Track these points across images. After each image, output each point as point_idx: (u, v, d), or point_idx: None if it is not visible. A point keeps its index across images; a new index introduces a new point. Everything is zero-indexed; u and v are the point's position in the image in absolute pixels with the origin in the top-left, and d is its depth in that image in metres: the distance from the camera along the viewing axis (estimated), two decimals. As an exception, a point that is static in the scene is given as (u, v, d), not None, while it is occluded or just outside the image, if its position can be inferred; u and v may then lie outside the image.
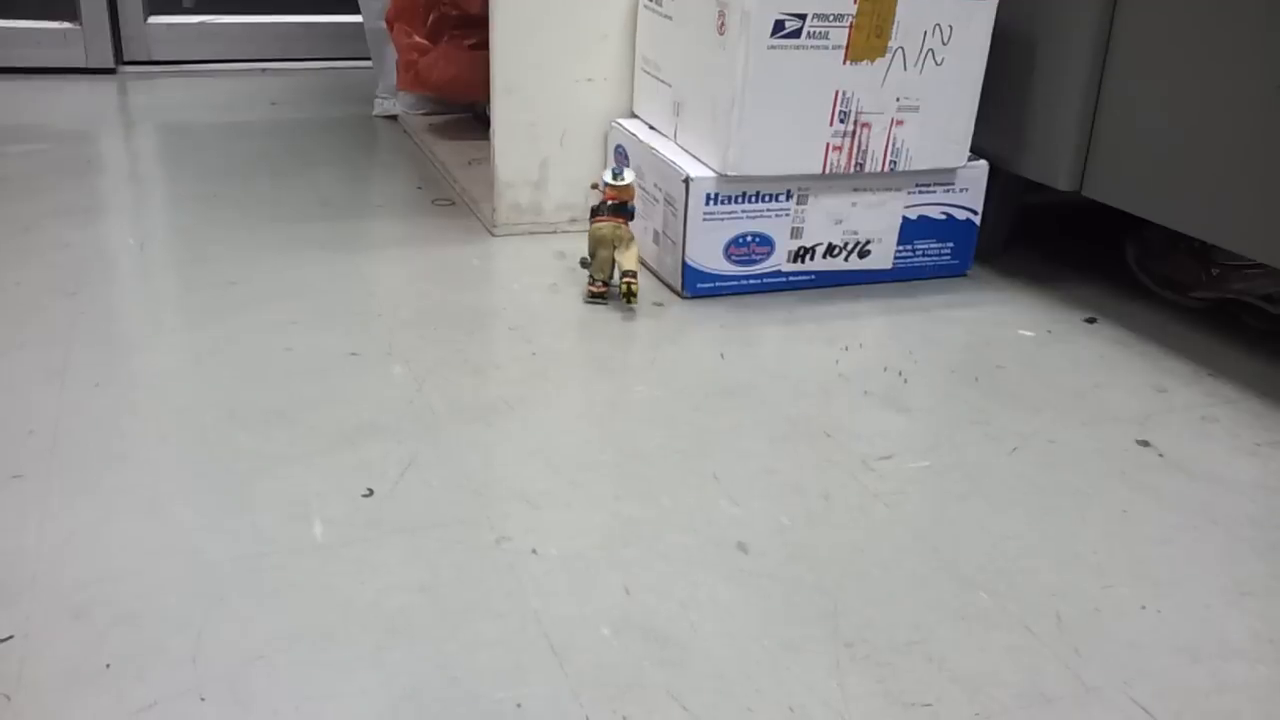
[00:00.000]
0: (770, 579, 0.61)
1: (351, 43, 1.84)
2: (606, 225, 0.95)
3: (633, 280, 0.95)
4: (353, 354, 0.85)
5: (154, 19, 1.79)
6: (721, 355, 0.88)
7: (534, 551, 0.62)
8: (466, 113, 1.52)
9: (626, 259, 0.95)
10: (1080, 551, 0.65)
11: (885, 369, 0.87)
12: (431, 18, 1.38)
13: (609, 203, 0.96)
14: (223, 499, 0.66)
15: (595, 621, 0.57)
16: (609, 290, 0.97)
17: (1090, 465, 0.74)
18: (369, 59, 1.60)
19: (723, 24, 0.94)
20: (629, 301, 0.95)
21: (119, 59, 1.78)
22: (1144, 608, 0.60)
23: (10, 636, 0.54)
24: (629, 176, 0.95)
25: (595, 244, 0.96)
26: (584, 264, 0.98)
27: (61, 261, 1.00)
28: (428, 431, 0.75)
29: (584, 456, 0.73)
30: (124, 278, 0.97)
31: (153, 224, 1.11)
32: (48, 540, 0.61)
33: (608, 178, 0.96)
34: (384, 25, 1.45)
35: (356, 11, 1.58)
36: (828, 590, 0.60)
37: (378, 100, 1.56)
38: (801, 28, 0.93)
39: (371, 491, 0.67)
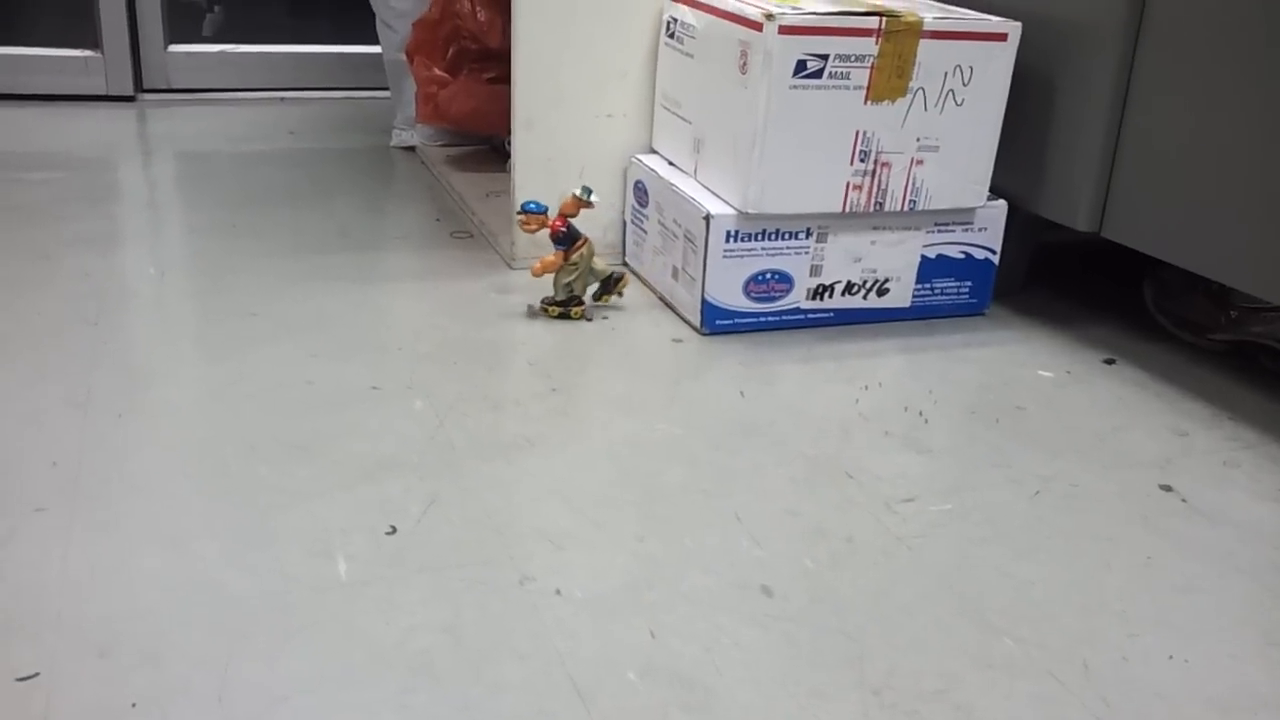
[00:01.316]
0: (795, 623, 0.61)
1: (369, 73, 1.85)
2: (587, 244, 0.98)
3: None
4: (373, 388, 0.85)
5: (174, 47, 1.80)
6: (741, 393, 0.88)
7: (558, 592, 0.62)
8: (484, 145, 1.53)
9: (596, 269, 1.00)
10: (1105, 599, 0.65)
11: (905, 409, 0.87)
12: (451, 51, 1.39)
13: (570, 224, 0.98)
14: (245, 534, 0.66)
15: (620, 665, 0.57)
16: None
17: (1113, 510, 0.74)
18: (386, 89, 1.61)
19: (745, 63, 0.94)
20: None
21: (138, 87, 1.79)
22: (1171, 657, 0.60)
23: (36, 674, 0.54)
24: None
25: (587, 266, 0.98)
26: (570, 299, 1.00)
27: (82, 290, 1.01)
28: (449, 468, 0.75)
29: (605, 495, 0.72)
30: (145, 307, 0.98)
31: (173, 253, 1.12)
32: (71, 575, 0.61)
33: (594, 198, 0.98)
34: (403, 58, 1.46)
35: (374, 42, 1.59)
36: (853, 635, 0.60)
37: (396, 131, 1.57)
38: (823, 68, 0.93)
39: (394, 529, 0.67)
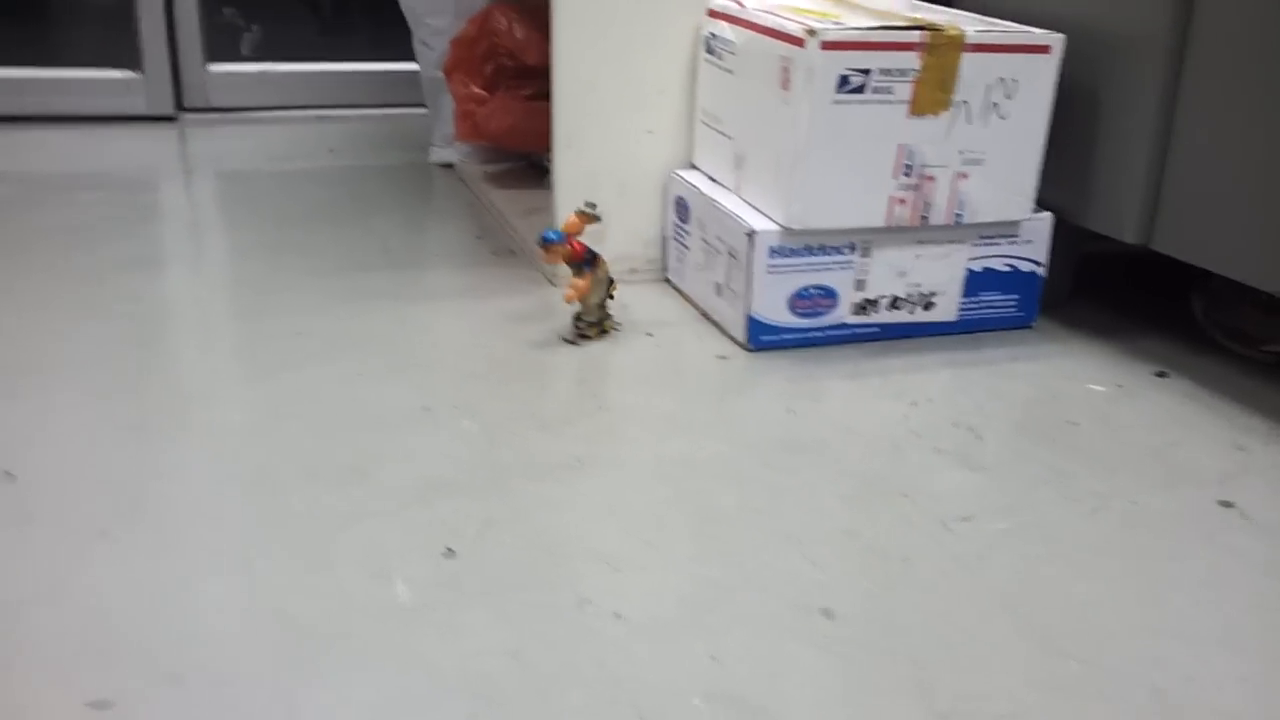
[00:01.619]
0: (858, 646, 0.60)
1: (405, 90, 1.86)
2: (602, 259, 0.99)
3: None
4: (423, 408, 0.86)
5: (213, 67, 1.82)
6: (789, 410, 0.88)
7: (617, 615, 0.62)
8: (522, 161, 1.53)
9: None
10: (1170, 619, 0.64)
11: (956, 425, 0.86)
12: (489, 68, 1.40)
13: (585, 245, 0.98)
14: (306, 558, 0.66)
15: (685, 690, 0.57)
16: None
17: (1173, 528, 0.73)
18: (423, 106, 1.63)
19: (787, 79, 0.94)
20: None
21: (178, 106, 1.81)
22: (1243, 680, 0.59)
23: (109, 701, 0.54)
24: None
25: (606, 278, 0.99)
26: (598, 316, 1.00)
27: (133, 313, 1.02)
28: (501, 489, 0.75)
29: (658, 515, 0.72)
30: (194, 328, 0.99)
31: (220, 273, 1.13)
32: (138, 601, 0.62)
33: (597, 210, 0.98)
34: (441, 75, 1.47)
35: (410, 59, 1.60)
36: (917, 659, 0.60)
37: (433, 148, 1.58)
38: (866, 83, 0.93)
39: (451, 551, 0.68)
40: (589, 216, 0.98)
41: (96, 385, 0.87)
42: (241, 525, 0.70)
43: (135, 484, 0.74)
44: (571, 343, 0.98)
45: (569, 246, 0.96)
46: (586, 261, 0.97)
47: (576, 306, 1.00)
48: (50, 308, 1.02)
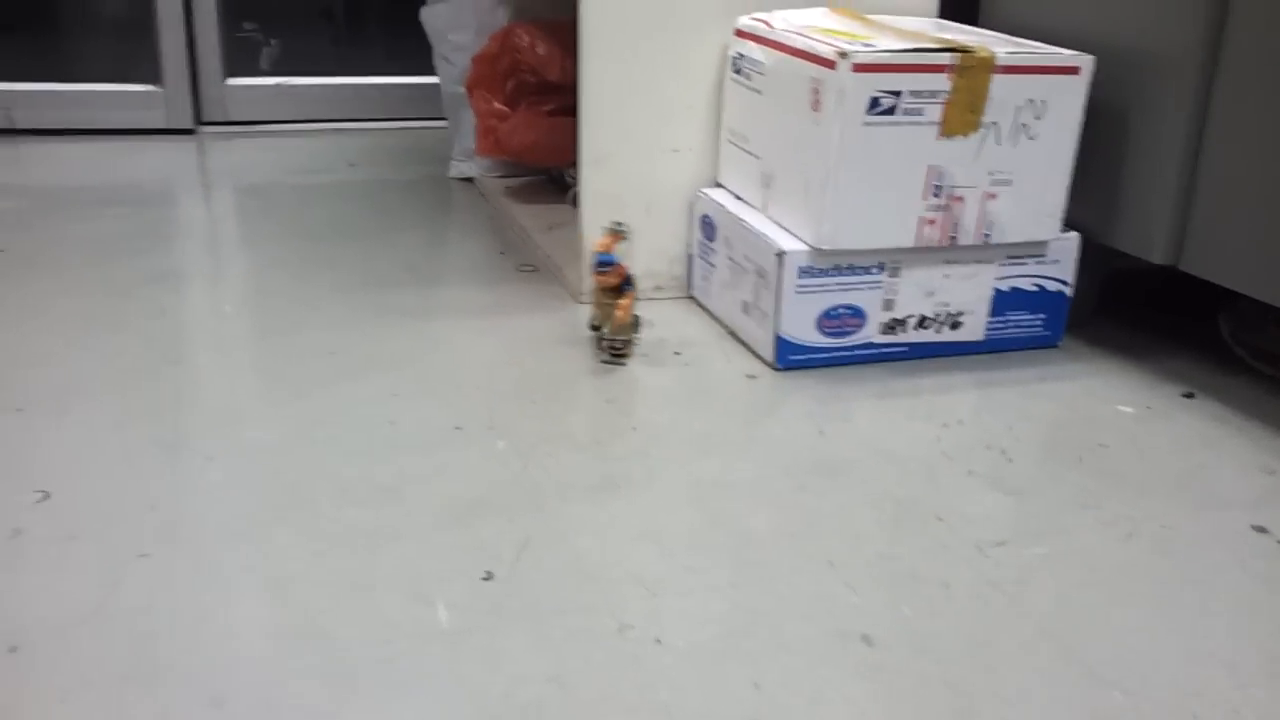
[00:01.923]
0: (899, 674, 0.60)
1: (423, 103, 1.87)
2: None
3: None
4: (456, 428, 0.86)
5: (232, 80, 1.83)
6: (820, 431, 0.88)
7: (658, 641, 0.62)
8: (542, 176, 1.54)
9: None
10: (1209, 647, 0.64)
11: (988, 447, 0.86)
12: (510, 84, 1.40)
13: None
14: (346, 580, 0.67)
15: (727, 717, 0.57)
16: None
17: (1208, 553, 0.73)
18: (440, 119, 1.63)
19: (817, 100, 0.95)
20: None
21: (198, 120, 1.82)
22: (1285, 710, 0.59)
23: (155, 726, 0.54)
24: None
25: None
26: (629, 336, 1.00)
27: (161, 329, 1.02)
28: (537, 510, 0.75)
29: (694, 539, 0.73)
30: (224, 345, 0.99)
31: (246, 289, 1.13)
32: (179, 623, 0.62)
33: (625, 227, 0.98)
34: (462, 90, 1.47)
35: (427, 72, 1.61)
36: (958, 687, 0.60)
37: (454, 162, 1.59)
38: (896, 105, 0.93)
39: (490, 574, 0.68)
40: (619, 234, 0.98)
41: (130, 404, 0.88)
42: (279, 546, 0.70)
43: (172, 504, 0.74)
44: (610, 363, 0.98)
45: (617, 272, 0.97)
46: (627, 281, 0.97)
47: (593, 324, 1.00)
48: (81, 324, 1.03)
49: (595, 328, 1.01)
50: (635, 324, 0.99)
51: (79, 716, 0.55)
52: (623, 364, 0.96)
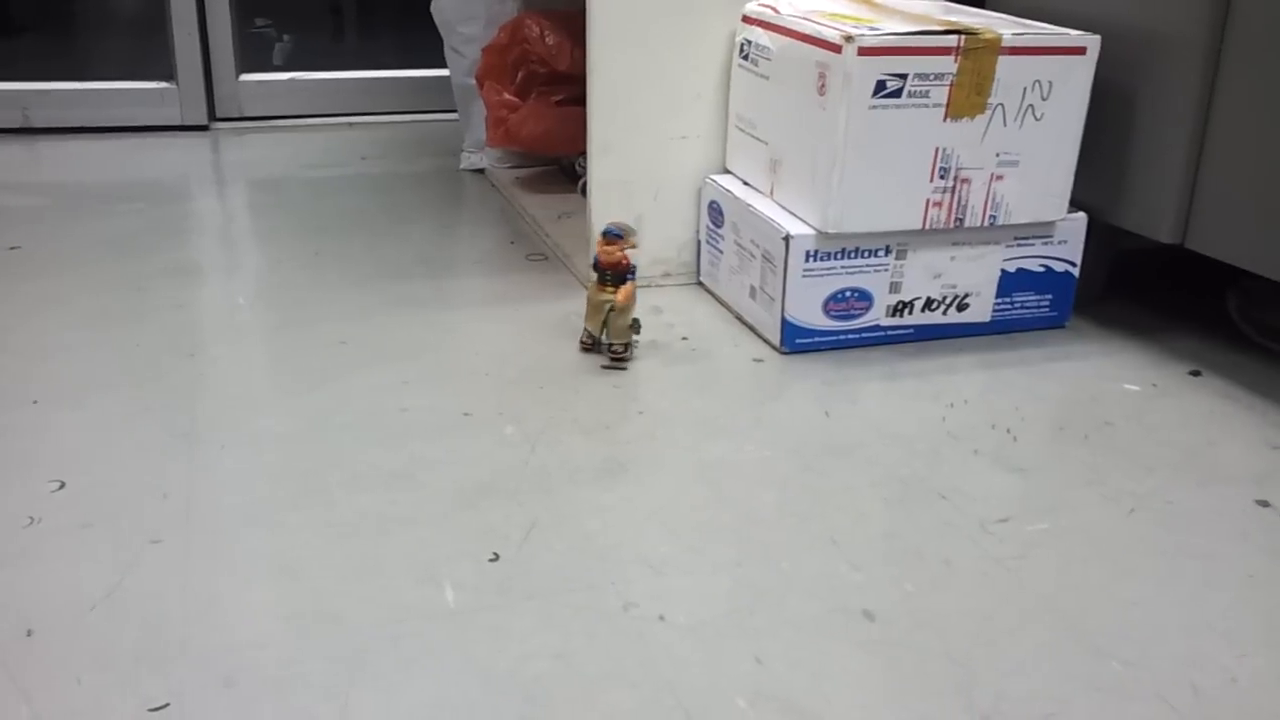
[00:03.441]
0: (900, 647, 0.61)
1: (434, 96, 1.88)
2: None
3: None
4: (465, 414, 0.87)
5: (246, 76, 1.85)
6: (826, 413, 0.88)
7: (662, 618, 0.63)
8: (552, 166, 1.55)
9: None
10: (1209, 618, 0.64)
11: (993, 426, 0.87)
12: (520, 75, 1.41)
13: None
14: (355, 563, 0.68)
15: (729, 692, 0.58)
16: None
17: (1211, 527, 0.74)
18: (450, 111, 1.64)
19: (823, 85, 0.95)
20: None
21: (212, 116, 1.84)
22: (1285, 681, 0.59)
23: (167, 705, 0.56)
24: None
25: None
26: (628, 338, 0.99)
27: (176, 322, 1.04)
28: (545, 494, 0.76)
29: (700, 519, 0.73)
30: (238, 337, 1.00)
31: (260, 282, 1.15)
32: (192, 606, 0.63)
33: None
34: (472, 82, 1.48)
35: (437, 65, 1.62)
36: (958, 660, 0.60)
37: (464, 154, 1.60)
38: (903, 87, 0.94)
39: (497, 556, 0.69)
40: (627, 241, 0.97)
41: (145, 395, 0.89)
42: (291, 531, 0.71)
43: (186, 491, 0.75)
44: (610, 368, 0.97)
45: (624, 253, 0.97)
46: (630, 272, 0.97)
47: (584, 342, 0.99)
48: (98, 318, 1.04)
49: (587, 346, 0.99)
50: (635, 326, 0.99)
51: (93, 698, 0.56)
52: (623, 368, 0.96)
